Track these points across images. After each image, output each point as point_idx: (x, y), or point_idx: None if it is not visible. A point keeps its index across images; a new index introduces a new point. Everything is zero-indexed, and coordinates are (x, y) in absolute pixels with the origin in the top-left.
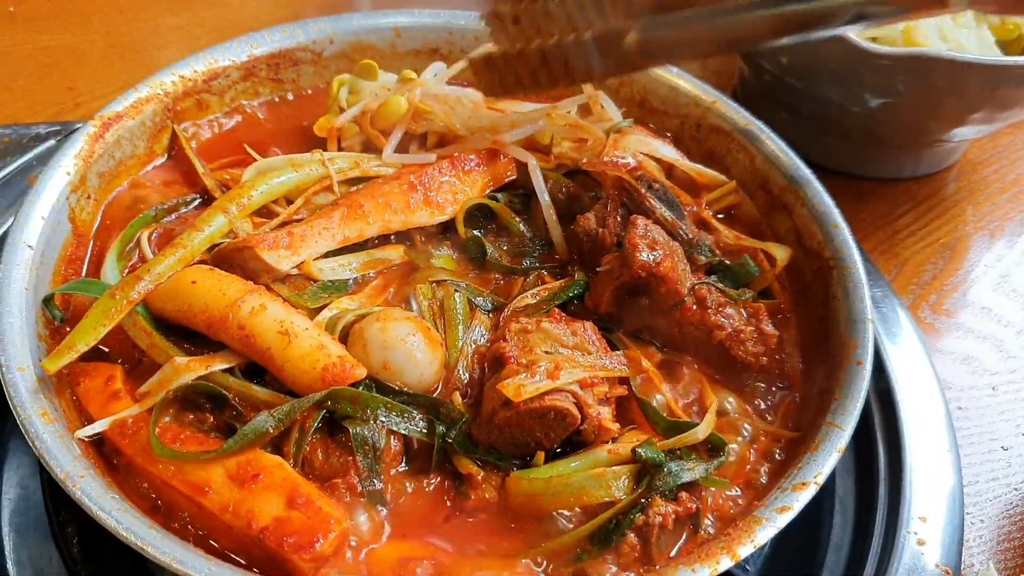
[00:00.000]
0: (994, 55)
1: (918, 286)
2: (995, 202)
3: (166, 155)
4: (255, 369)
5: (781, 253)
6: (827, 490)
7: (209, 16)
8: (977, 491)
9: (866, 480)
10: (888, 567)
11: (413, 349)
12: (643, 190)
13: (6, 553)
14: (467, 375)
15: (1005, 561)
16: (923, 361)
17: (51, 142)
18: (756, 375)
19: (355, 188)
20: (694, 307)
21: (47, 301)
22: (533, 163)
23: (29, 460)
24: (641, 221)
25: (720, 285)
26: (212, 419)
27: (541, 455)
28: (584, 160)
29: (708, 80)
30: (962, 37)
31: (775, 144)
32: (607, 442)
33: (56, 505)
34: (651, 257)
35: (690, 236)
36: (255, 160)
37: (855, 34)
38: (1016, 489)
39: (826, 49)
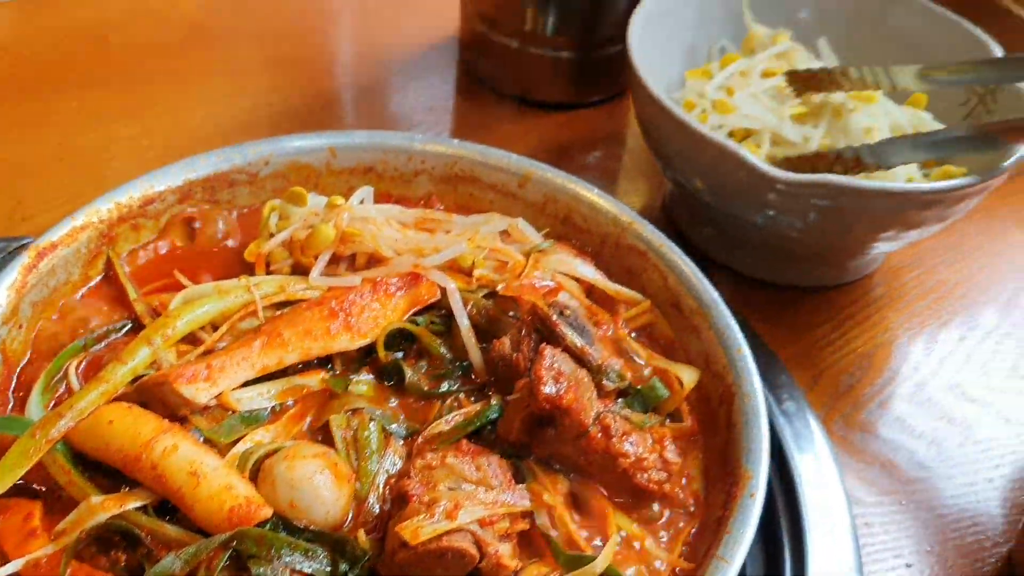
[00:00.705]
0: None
1: (833, 398)
2: (913, 309)
3: (100, 278)
4: (170, 505)
5: (688, 376)
6: None
7: (159, 125)
8: None
9: None
10: None
11: (319, 488)
12: (554, 317)
13: None
14: (378, 506)
15: None
16: (833, 478)
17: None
18: (660, 501)
19: (279, 313)
20: (599, 436)
21: None
22: (452, 287)
23: None
24: (548, 352)
25: (626, 412)
26: (125, 558)
27: None
28: (503, 284)
29: (639, 192)
30: None
31: (686, 266)
32: None
33: None
34: (555, 390)
35: (599, 362)
36: (184, 286)
37: (761, 158)
38: None
39: (734, 174)
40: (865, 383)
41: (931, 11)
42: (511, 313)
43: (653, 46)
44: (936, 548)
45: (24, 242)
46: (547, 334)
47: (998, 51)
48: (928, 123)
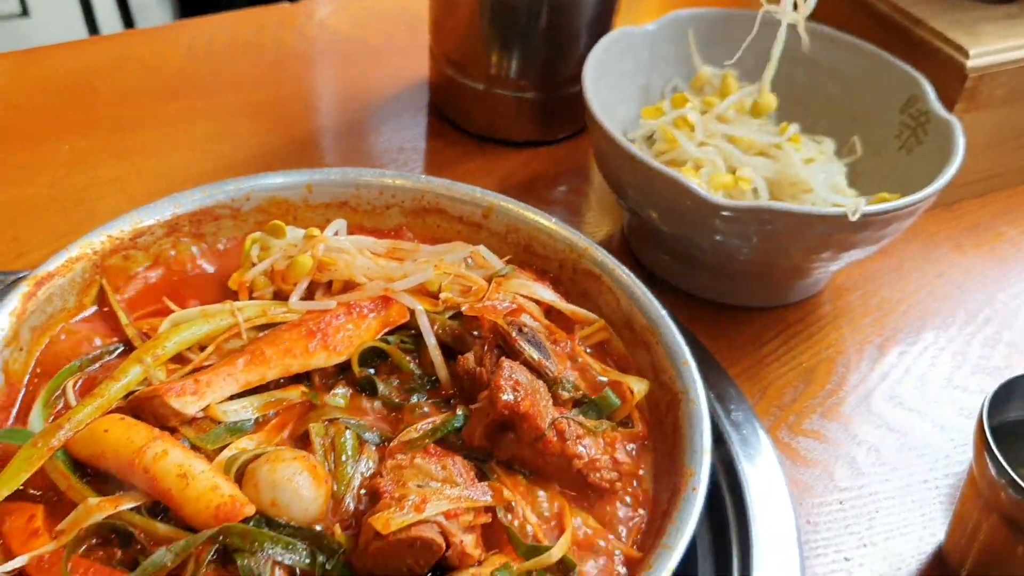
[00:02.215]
0: (828, 208)
1: (779, 408)
2: (858, 327)
3: (95, 306)
4: (161, 506)
5: (638, 386)
6: None
7: (146, 167)
8: None
9: None
10: None
11: (299, 487)
12: (514, 333)
13: None
14: (354, 505)
15: None
16: (778, 480)
17: None
18: (613, 498)
19: (262, 334)
20: (554, 439)
21: None
22: (420, 309)
23: None
24: (507, 364)
25: (580, 418)
26: (120, 554)
27: None
28: (467, 305)
29: (602, 223)
30: (815, 178)
31: (637, 288)
32: (471, 567)
33: None
34: (513, 397)
35: (554, 374)
36: (173, 311)
37: (704, 186)
38: None
39: (682, 201)
40: (809, 394)
41: (860, 48)
42: (475, 332)
43: (608, 87)
44: (874, 543)
45: (21, 275)
46: (507, 350)
47: (928, 87)
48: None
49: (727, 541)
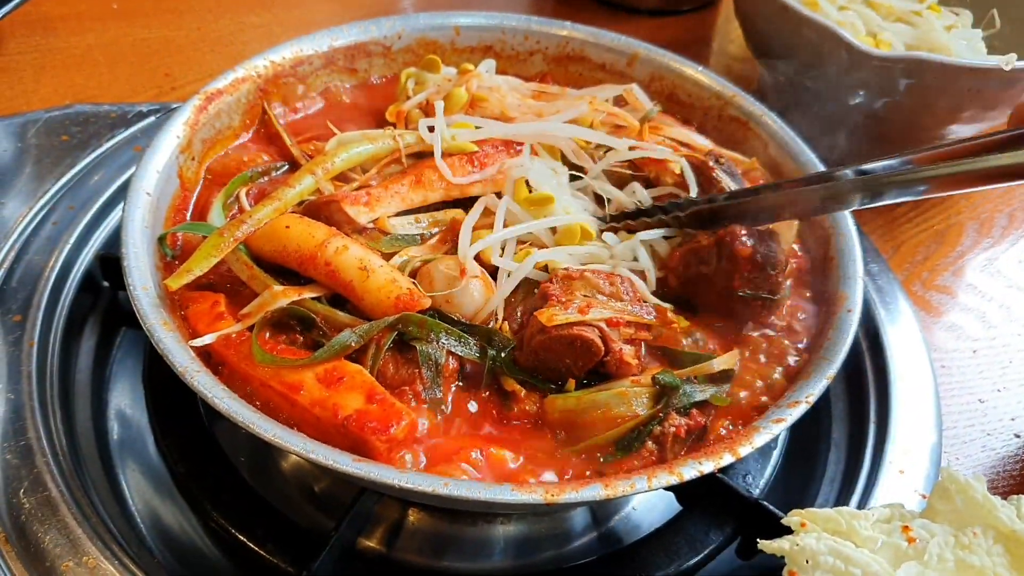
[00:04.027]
0: (982, 59)
1: (912, 264)
2: (987, 196)
3: (255, 129)
4: (338, 301)
5: (788, 233)
6: (824, 435)
7: (288, 17)
8: (955, 435)
9: (858, 426)
10: (871, 493)
11: (472, 288)
12: (711, 163)
13: (119, 474)
14: (522, 317)
15: None
16: (912, 326)
17: (151, 119)
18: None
19: (421, 161)
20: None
21: (161, 239)
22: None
23: (130, 393)
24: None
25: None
26: (301, 339)
27: (572, 382)
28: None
29: (732, 80)
30: (956, 44)
31: (786, 133)
32: (630, 376)
33: (162, 429)
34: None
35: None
36: (335, 135)
37: (855, 38)
38: (989, 434)
39: (832, 53)
40: (941, 254)
41: None
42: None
43: None
44: (1007, 388)
45: (175, 106)
46: (704, 180)
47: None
48: None
49: (863, 381)
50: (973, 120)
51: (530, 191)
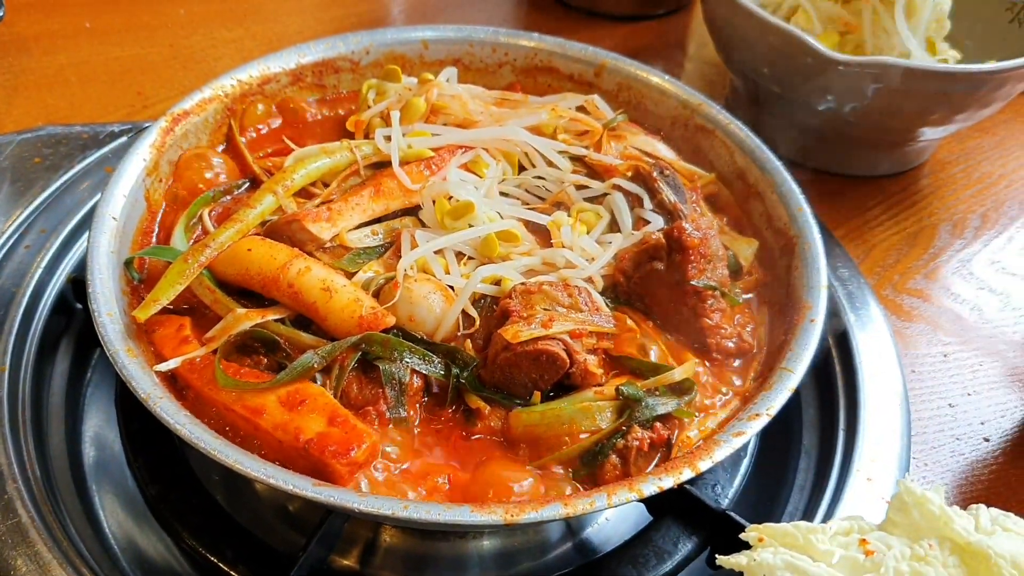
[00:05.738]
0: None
1: (883, 268)
2: (960, 197)
3: (224, 145)
4: (302, 322)
5: (747, 250)
6: (795, 443)
7: (260, 31)
8: (925, 440)
9: (828, 434)
10: (839, 502)
11: (434, 305)
12: (655, 174)
13: (94, 497)
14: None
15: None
16: (883, 331)
17: (123, 139)
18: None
19: (380, 171)
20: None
21: (128, 263)
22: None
23: (104, 415)
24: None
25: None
26: (265, 360)
27: (538, 395)
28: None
29: (702, 89)
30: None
31: (751, 141)
32: (594, 386)
33: (134, 451)
34: (692, 228)
35: (688, 215)
36: (293, 150)
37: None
38: (959, 439)
39: (800, 59)
40: (912, 257)
41: None
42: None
43: None
44: (978, 392)
45: (147, 125)
46: (646, 190)
47: None
48: None
49: (833, 386)
50: (943, 122)
51: None
